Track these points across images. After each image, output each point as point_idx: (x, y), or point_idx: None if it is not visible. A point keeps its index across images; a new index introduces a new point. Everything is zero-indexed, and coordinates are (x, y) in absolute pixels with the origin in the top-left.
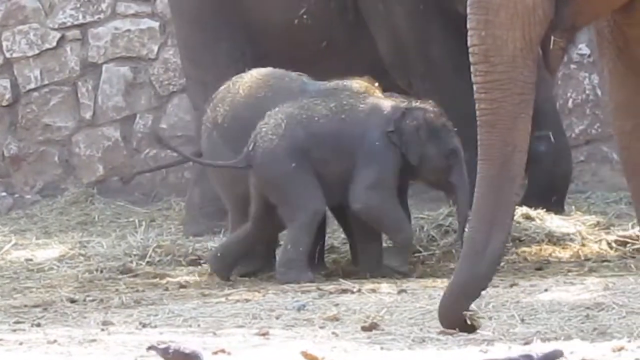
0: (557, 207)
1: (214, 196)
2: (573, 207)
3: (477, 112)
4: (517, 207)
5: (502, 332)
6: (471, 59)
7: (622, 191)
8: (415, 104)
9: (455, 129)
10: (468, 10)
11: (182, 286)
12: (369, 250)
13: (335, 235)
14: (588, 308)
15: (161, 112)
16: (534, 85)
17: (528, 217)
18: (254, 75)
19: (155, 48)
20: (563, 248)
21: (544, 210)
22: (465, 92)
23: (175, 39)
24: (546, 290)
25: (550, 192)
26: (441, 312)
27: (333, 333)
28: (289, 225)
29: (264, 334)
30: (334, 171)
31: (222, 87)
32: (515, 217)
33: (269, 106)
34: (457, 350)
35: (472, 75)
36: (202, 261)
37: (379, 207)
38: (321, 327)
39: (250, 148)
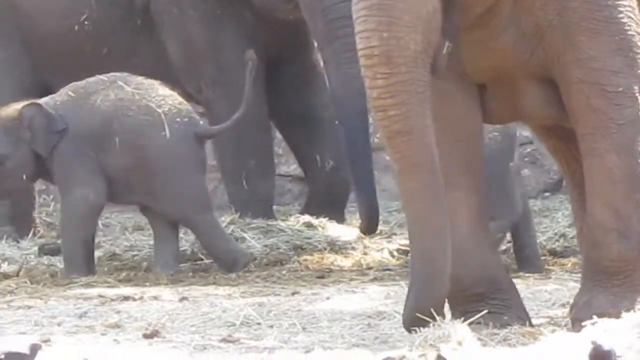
0: (337, 215)
1: None
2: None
3: (384, 122)
4: (298, 215)
5: (284, 340)
6: (367, 62)
7: None
8: None
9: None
10: (361, 12)
11: None
12: None
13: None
14: (369, 317)
15: None
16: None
17: (310, 225)
18: None
19: None
20: (345, 256)
21: (326, 218)
22: (255, 99)
23: None
24: (328, 298)
25: (331, 201)
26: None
27: (114, 340)
28: None
29: (45, 341)
30: None
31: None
32: (296, 226)
33: None
34: (238, 357)
35: (367, 80)
36: None
37: None
38: (103, 334)
39: None
